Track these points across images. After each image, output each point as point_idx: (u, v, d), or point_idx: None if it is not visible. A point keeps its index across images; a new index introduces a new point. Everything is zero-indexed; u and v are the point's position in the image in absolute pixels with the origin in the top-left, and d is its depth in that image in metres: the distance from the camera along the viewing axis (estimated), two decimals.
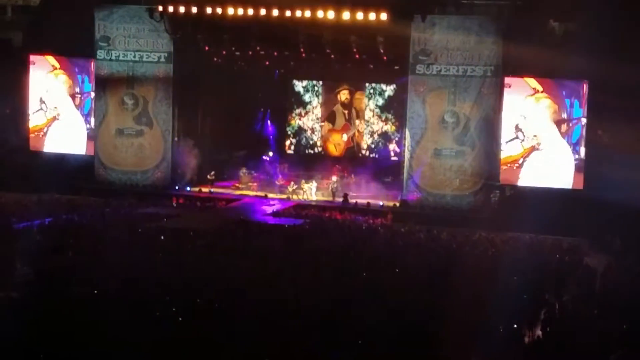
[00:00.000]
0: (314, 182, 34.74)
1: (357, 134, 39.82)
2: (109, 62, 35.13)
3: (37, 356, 13.59)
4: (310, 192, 34.20)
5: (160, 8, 33.40)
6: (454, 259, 22.36)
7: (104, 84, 35.41)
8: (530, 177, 31.77)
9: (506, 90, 31.53)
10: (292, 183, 34.84)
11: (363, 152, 39.86)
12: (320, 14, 31.48)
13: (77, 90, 36.25)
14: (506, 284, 19.37)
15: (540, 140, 31.60)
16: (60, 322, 14.71)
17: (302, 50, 34.03)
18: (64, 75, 36.26)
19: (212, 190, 35.13)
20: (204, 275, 19.03)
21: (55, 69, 36.13)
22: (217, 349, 14.11)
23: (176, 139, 35.21)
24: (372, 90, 39.58)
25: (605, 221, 26.98)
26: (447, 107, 32.03)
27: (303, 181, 34.88)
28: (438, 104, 32.11)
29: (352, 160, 39.11)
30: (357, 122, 39.65)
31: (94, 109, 35.82)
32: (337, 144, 40.12)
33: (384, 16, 31.01)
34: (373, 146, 39.75)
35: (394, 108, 38.74)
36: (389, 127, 39.33)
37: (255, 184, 36.31)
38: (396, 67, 34.01)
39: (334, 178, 35.30)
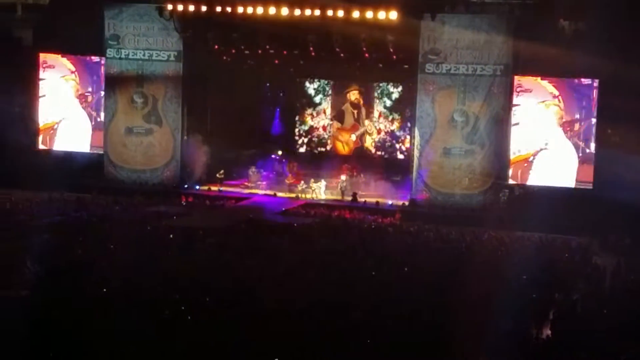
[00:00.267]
0: (323, 181, 34.73)
1: (366, 134, 39.74)
2: (119, 60, 35.18)
3: (46, 355, 13.61)
4: (319, 191, 34.20)
5: (170, 7, 33.39)
6: (463, 258, 22.33)
7: (113, 83, 35.46)
8: (540, 176, 31.67)
9: (525, 94, 31.41)
10: (303, 182, 34.85)
11: (372, 152, 39.77)
12: (329, 12, 31.46)
13: (87, 89, 36.31)
14: (515, 283, 19.33)
15: (548, 140, 31.55)
16: (69, 321, 14.72)
17: (311, 49, 34.01)
18: (74, 74, 36.31)
19: (221, 189, 35.15)
20: (214, 274, 19.03)
21: (72, 72, 36.20)
22: (224, 348, 14.11)
23: (185, 137, 35.24)
24: (381, 90, 39.50)
25: (615, 220, 26.92)
26: (456, 106, 31.99)
27: (312, 180, 34.87)
28: (447, 103, 32.07)
29: (361, 159, 39.04)
30: (367, 122, 39.57)
31: (103, 108, 35.86)
32: (346, 142, 40.07)
33: (393, 15, 30.97)
34: (382, 145, 39.67)
35: (403, 107, 38.67)
36: (397, 127, 39.25)
37: (264, 182, 36.33)
38: (405, 66, 33.96)
39: (343, 177, 35.28)
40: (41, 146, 36.81)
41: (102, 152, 35.94)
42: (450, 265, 20.89)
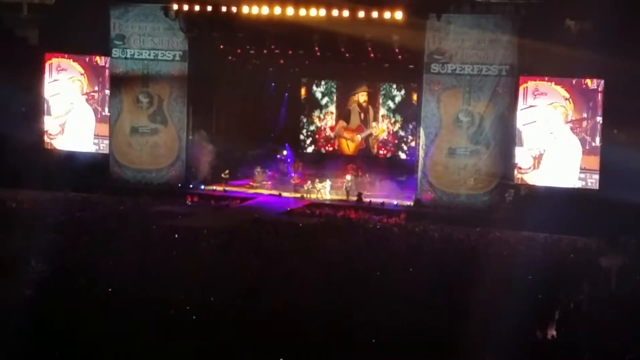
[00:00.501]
0: (328, 181, 34.74)
1: (372, 136, 39.67)
2: (124, 60, 35.24)
3: (49, 355, 13.62)
4: (325, 191, 34.21)
5: (176, 7, 33.45)
6: (468, 258, 22.30)
7: (119, 83, 35.52)
8: (548, 170, 31.62)
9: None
10: (309, 182, 34.86)
11: (377, 152, 39.75)
12: (335, 12, 31.47)
13: (94, 87, 36.34)
14: (521, 283, 19.29)
15: (555, 137, 31.56)
16: (72, 321, 14.73)
17: (316, 49, 34.07)
18: (83, 76, 36.35)
19: (227, 188, 35.18)
20: (218, 274, 19.03)
21: (82, 74, 36.26)
22: (228, 348, 14.11)
23: (191, 137, 35.28)
24: (386, 90, 39.49)
25: (621, 221, 26.86)
26: (461, 106, 31.99)
27: (317, 180, 34.88)
28: (453, 103, 32.06)
29: (366, 159, 39.04)
30: (374, 124, 39.51)
31: (108, 107, 35.91)
32: (351, 139, 40.01)
33: (399, 15, 30.98)
34: (387, 146, 39.64)
35: (408, 107, 38.67)
36: (402, 127, 39.21)
37: (269, 182, 36.35)
38: (411, 66, 33.95)
39: (348, 177, 35.29)
40: (47, 146, 36.82)
41: (105, 142, 36.01)
42: (455, 266, 20.86)
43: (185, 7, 33.20)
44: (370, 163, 38.30)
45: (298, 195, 34.30)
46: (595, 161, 31.12)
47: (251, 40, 34.80)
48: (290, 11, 31.85)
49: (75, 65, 36.45)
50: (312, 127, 40.60)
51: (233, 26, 33.65)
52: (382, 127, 39.61)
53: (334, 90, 40.32)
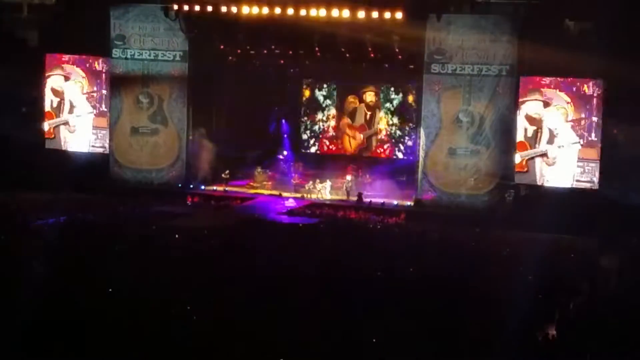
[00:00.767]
0: (328, 181, 34.75)
1: (374, 137, 39.60)
2: (125, 60, 35.25)
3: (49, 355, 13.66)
4: (325, 191, 34.22)
5: (176, 7, 33.46)
6: (468, 258, 22.33)
7: (119, 83, 35.52)
8: (547, 176, 31.64)
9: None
10: (311, 182, 34.87)
11: (376, 152, 39.71)
12: (335, 13, 31.49)
13: (93, 89, 36.34)
14: (521, 283, 19.32)
15: (557, 134, 31.59)
16: (72, 322, 14.75)
17: (317, 49, 34.08)
18: (81, 75, 36.36)
19: (227, 189, 35.19)
20: (218, 273, 19.05)
21: (83, 77, 36.25)
22: (229, 348, 14.14)
23: (191, 137, 35.29)
24: (386, 90, 39.46)
25: (621, 221, 26.89)
26: (461, 106, 32.00)
27: (318, 180, 34.90)
28: (453, 103, 32.08)
29: (366, 159, 39.02)
30: (377, 126, 39.45)
31: (109, 108, 35.92)
32: (352, 139, 39.95)
33: (399, 15, 30.98)
34: (386, 146, 39.59)
35: (408, 107, 38.66)
36: (402, 127, 39.18)
37: (269, 182, 36.34)
38: (411, 67, 33.96)
39: (349, 177, 35.29)
40: (47, 146, 36.81)
41: (105, 142, 35.95)
42: (456, 265, 20.89)
43: (186, 8, 33.22)
44: (370, 163, 38.28)
45: (298, 195, 34.31)
46: (593, 152, 31.05)
47: (251, 40, 34.80)
48: (290, 11, 31.85)
49: (80, 71, 36.38)
50: (312, 127, 40.52)
51: (233, 26, 33.65)
52: (383, 127, 39.55)
53: (335, 91, 40.25)
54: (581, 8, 31.22)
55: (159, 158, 35.44)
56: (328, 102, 40.26)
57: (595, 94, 30.99)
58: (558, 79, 31.27)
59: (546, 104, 31.35)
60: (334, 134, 40.12)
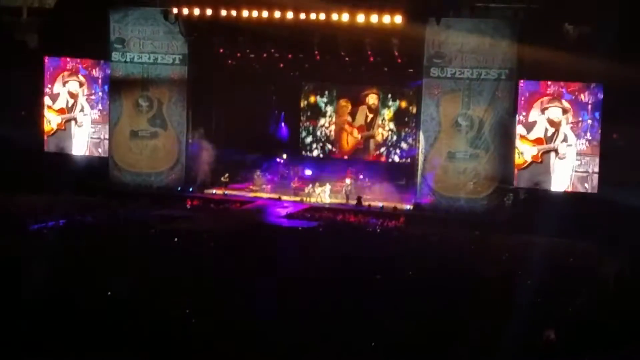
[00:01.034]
0: (327, 184, 34.77)
1: (372, 139, 39.62)
2: (124, 64, 35.23)
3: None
4: (324, 194, 34.24)
5: (175, 10, 33.43)
6: (467, 262, 22.34)
7: (118, 86, 35.50)
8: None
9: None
10: (310, 185, 34.88)
11: (375, 156, 39.71)
12: (335, 16, 31.50)
13: (91, 92, 36.33)
14: (520, 287, 19.33)
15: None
16: (72, 323, 14.76)
17: (316, 53, 34.12)
18: (79, 80, 36.37)
19: (226, 192, 35.18)
20: (217, 277, 19.06)
21: (82, 78, 36.28)
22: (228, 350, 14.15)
23: (190, 141, 35.28)
24: (385, 93, 39.47)
25: (620, 225, 26.89)
26: (461, 110, 31.98)
27: (317, 184, 34.91)
28: (452, 107, 32.07)
29: (366, 163, 38.99)
30: (377, 129, 39.43)
31: (108, 111, 35.92)
32: (350, 135, 39.94)
33: (398, 19, 30.98)
34: (383, 150, 39.58)
35: (407, 111, 38.67)
36: (401, 130, 39.17)
37: (269, 186, 36.32)
38: (410, 70, 33.98)
39: (348, 181, 35.31)
40: (46, 149, 36.82)
41: (105, 145, 35.96)
42: (455, 269, 20.90)
43: (185, 11, 33.20)
44: (369, 167, 38.26)
45: (298, 198, 34.31)
46: (591, 147, 31.13)
47: (251, 44, 34.82)
48: (290, 15, 31.86)
49: (73, 70, 36.41)
50: (312, 131, 40.50)
51: (233, 30, 33.68)
52: (382, 131, 39.54)
53: (334, 94, 40.24)
54: (580, 12, 31.24)
55: (159, 161, 35.40)
56: (328, 105, 40.24)
57: (594, 98, 31.02)
58: (560, 84, 31.34)
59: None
60: (333, 137, 40.11)
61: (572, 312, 18.32)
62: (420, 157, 32.61)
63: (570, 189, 31.33)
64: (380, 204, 33.02)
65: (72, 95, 36.37)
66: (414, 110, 36.31)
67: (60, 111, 36.51)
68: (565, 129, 31.40)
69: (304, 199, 34.16)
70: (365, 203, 33.19)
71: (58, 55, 36.47)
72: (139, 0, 34.99)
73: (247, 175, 37.26)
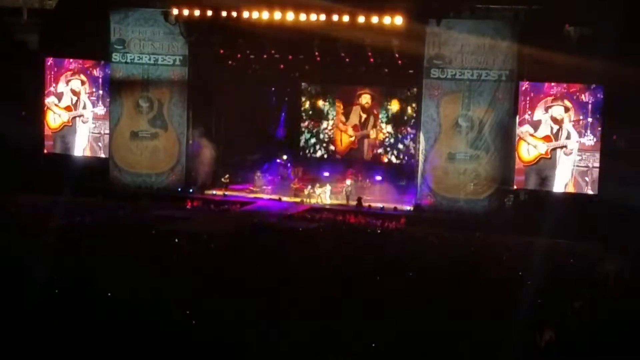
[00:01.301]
0: (328, 185, 34.78)
1: (367, 139, 39.66)
2: (124, 65, 35.23)
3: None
4: (325, 195, 34.24)
5: (176, 11, 33.48)
6: (467, 263, 22.33)
7: (119, 87, 35.51)
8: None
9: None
10: (310, 187, 34.88)
11: (375, 157, 39.74)
12: (335, 17, 31.50)
13: (92, 90, 36.34)
14: (520, 288, 19.33)
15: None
16: (71, 325, 14.76)
17: (316, 54, 34.14)
18: (81, 79, 36.39)
19: (227, 193, 35.18)
20: (218, 278, 19.06)
21: (83, 79, 36.31)
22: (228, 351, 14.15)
23: (191, 141, 35.28)
24: (385, 94, 39.52)
25: (620, 225, 26.90)
26: (461, 111, 32.00)
27: (317, 185, 34.92)
28: (452, 108, 32.08)
29: (366, 164, 39.03)
30: (371, 129, 39.48)
31: (108, 112, 35.94)
32: (342, 139, 40.03)
33: (398, 20, 31.01)
34: (386, 150, 39.61)
35: (407, 112, 38.72)
36: (402, 131, 39.21)
37: (269, 187, 36.32)
38: (411, 71, 34.00)
39: (348, 182, 35.32)
40: (46, 150, 36.85)
41: (105, 146, 35.98)
42: (455, 271, 20.89)
43: (186, 12, 33.24)
44: (370, 168, 38.29)
45: (298, 199, 34.31)
46: (590, 144, 31.19)
47: (251, 45, 34.86)
48: (290, 16, 31.88)
49: (76, 69, 36.43)
50: (312, 132, 40.53)
51: (233, 31, 33.68)
52: (382, 132, 39.58)
53: (334, 95, 40.29)
54: (581, 13, 31.20)
55: (159, 162, 35.40)
56: (328, 106, 40.30)
57: (594, 99, 31.05)
58: (563, 86, 31.37)
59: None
60: (334, 138, 40.16)
61: (571, 313, 18.32)
62: (421, 158, 32.60)
63: (572, 183, 31.32)
64: (380, 205, 33.03)
65: (75, 93, 36.44)
66: (414, 112, 36.32)
67: (67, 108, 36.57)
68: (567, 125, 31.45)
69: (305, 200, 34.17)
70: (366, 204, 33.19)
71: (58, 56, 36.50)
72: (139, 1, 34.97)
73: (248, 176, 37.29)
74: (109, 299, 16.70)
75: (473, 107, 31.85)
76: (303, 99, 40.73)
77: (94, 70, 36.30)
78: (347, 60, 34.33)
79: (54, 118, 36.78)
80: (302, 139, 40.68)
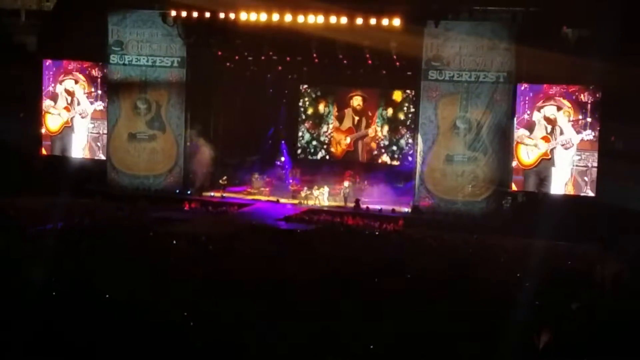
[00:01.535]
0: (325, 187, 34.78)
1: (362, 140, 39.69)
2: (122, 66, 35.24)
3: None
4: (322, 197, 34.24)
5: (174, 13, 33.51)
6: (465, 265, 22.32)
7: (116, 89, 35.52)
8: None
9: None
10: (306, 189, 34.89)
11: (373, 159, 39.76)
12: (333, 19, 31.52)
13: (90, 91, 36.33)
14: (518, 290, 19.32)
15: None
16: (71, 327, 14.73)
17: (314, 55, 34.15)
18: (75, 78, 36.38)
19: (224, 195, 35.19)
20: (215, 280, 19.04)
21: (81, 81, 36.29)
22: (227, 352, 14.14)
23: (188, 143, 35.28)
24: (383, 96, 39.58)
25: (619, 227, 26.91)
26: (459, 113, 32.03)
27: (315, 186, 34.93)
28: (450, 110, 32.12)
29: (364, 166, 39.08)
30: (367, 130, 39.51)
31: (106, 114, 35.93)
32: (338, 143, 40.09)
33: (396, 22, 31.05)
34: (383, 152, 39.64)
35: (405, 114, 38.75)
36: (400, 133, 39.25)
37: (267, 189, 36.35)
38: (408, 73, 34.03)
39: (346, 183, 35.36)
40: (44, 152, 36.83)
41: (103, 148, 35.97)
42: (453, 272, 20.88)
43: (184, 14, 33.27)
44: (368, 170, 38.33)
45: (296, 201, 34.33)
46: (589, 144, 31.30)
47: (249, 46, 34.88)
48: (288, 18, 31.89)
49: (75, 72, 36.42)
50: (310, 134, 40.59)
51: (231, 33, 33.70)
52: (379, 133, 39.63)
53: (332, 97, 40.34)
54: (579, 15, 31.25)
55: (157, 164, 35.42)
56: (326, 108, 40.35)
57: (592, 101, 31.09)
58: (561, 87, 31.40)
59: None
60: (332, 139, 40.22)
61: (569, 315, 18.32)
62: (419, 160, 32.62)
63: (571, 183, 31.35)
64: (378, 207, 33.03)
65: (69, 93, 36.46)
66: (412, 114, 36.35)
67: (66, 109, 36.55)
68: (561, 122, 31.44)
69: (302, 201, 34.17)
70: (364, 205, 33.20)
71: (56, 58, 36.50)
72: (137, 2, 34.96)
73: (245, 178, 37.31)
74: (107, 301, 16.67)
75: (471, 109, 31.88)
76: (301, 100, 40.76)
77: (92, 71, 36.31)
78: (345, 62, 34.35)
79: (54, 120, 36.74)
80: (300, 140, 40.70)
